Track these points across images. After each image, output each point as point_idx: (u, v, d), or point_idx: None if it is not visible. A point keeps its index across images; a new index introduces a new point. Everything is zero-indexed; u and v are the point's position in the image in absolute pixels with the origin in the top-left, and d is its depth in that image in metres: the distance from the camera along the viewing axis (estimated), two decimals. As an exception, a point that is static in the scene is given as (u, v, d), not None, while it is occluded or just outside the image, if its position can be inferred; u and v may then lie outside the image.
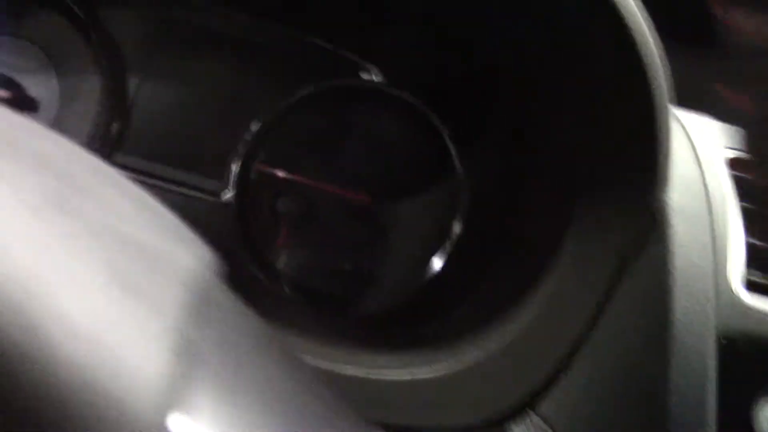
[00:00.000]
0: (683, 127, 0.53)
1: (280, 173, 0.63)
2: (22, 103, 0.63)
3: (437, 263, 0.63)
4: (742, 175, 0.52)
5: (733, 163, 0.53)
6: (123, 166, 0.62)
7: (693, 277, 0.46)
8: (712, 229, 0.48)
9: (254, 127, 0.63)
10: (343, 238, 0.63)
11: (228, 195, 0.63)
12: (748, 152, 0.55)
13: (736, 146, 0.55)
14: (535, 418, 0.50)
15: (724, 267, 0.47)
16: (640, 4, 0.44)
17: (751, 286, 0.47)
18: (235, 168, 0.63)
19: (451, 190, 0.63)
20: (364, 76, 0.64)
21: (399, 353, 0.54)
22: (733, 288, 0.46)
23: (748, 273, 0.48)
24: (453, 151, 0.63)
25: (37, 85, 0.64)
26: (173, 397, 0.15)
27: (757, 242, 0.49)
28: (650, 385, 0.44)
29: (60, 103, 0.63)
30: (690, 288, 0.45)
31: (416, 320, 0.61)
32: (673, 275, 0.45)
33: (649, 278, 0.46)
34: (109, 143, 0.63)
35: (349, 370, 0.51)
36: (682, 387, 0.43)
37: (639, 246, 0.48)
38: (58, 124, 0.63)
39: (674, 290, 0.45)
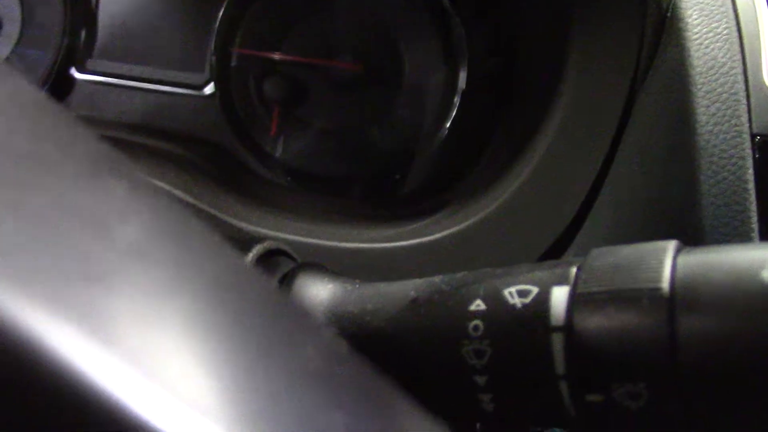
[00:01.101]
0: None
1: (262, 54, 0.58)
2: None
3: (444, 126, 0.58)
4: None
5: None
6: (97, 72, 0.59)
7: (718, 77, 0.40)
8: (739, 26, 0.42)
9: (226, 9, 0.58)
10: (339, 114, 0.59)
11: (210, 86, 0.58)
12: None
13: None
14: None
15: (758, 64, 0.41)
16: None
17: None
18: (213, 56, 0.58)
19: (449, 45, 0.57)
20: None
21: (406, 224, 0.50)
22: None
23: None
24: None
25: (-6, 2, 0.60)
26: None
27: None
28: (682, 200, 0.39)
29: (22, 16, 0.60)
30: (714, 87, 0.39)
31: (425, 190, 0.57)
32: (691, 76, 0.39)
33: (665, 86, 0.41)
34: (79, 50, 0.59)
35: (354, 245, 0.48)
36: (716, 196, 0.38)
37: (650, 54, 0.42)
38: (24, 39, 0.59)
39: (694, 92, 0.39)
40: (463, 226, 0.46)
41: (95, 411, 0.10)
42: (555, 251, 0.45)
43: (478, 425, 0.33)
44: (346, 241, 0.48)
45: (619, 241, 0.43)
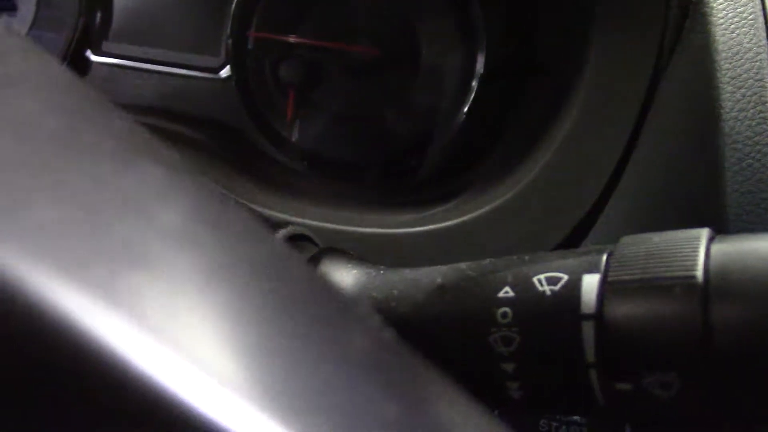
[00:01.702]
0: None
1: (278, 37, 0.58)
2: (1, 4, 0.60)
3: (462, 110, 0.57)
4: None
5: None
6: (112, 54, 0.58)
7: (743, 62, 0.39)
8: (765, 10, 0.41)
9: (242, -9, 0.58)
10: (355, 98, 0.58)
11: (226, 70, 0.58)
12: None
13: None
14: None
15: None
16: None
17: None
18: (228, 40, 0.58)
19: (467, 28, 0.57)
20: None
21: (422, 209, 0.50)
22: (795, 66, 0.40)
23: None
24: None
25: (10, -17, 0.60)
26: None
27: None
28: (705, 187, 0.39)
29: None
30: (739, 73, 0.39)
31: (442, 176, 0.57)
32: (716, 62, 0.39)
33: (689, 71, 0.40)
34: (94, 32, 0.59)
35: (370, 230, 0.48)
36: (741, 183, 0.37)
37: (674, 39, 0.41)
38: (39, 21, 0.59)
39: (719, 78, 0.39)
40: (480, 212, 0.45)
41: (141, 397, 0.10)
42: (574, 238, 0.44)
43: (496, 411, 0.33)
44: (362, 226, 0.48)
45: (639, 229, 0.43)
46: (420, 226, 0.47)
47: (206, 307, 0.11)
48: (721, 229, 0.38)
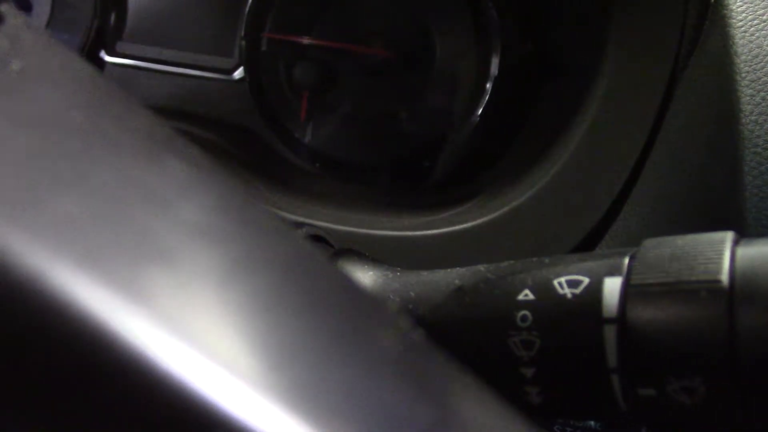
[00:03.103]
0: None
1: (292, 39, 0.58)
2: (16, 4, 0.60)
3: (476, 112, 0.57)
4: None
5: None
6: (126, 55, 0.58)
7: (763, 65, 0.39)
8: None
9: (256, -7, 0.57)
10: (369, 100, 0.58)
11: (240, 71, 0.58)
12: None
13: None
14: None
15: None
16: None
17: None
18: (242, 41, 0.58)
19: (482, 30, 0.56)
20: None
21: (436, 212, 0.50)
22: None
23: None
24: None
25: (25, -17, 0.60)
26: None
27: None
28: (723, 191, 0.38)
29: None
30: (759, 76, 0.38)
31: (456, 178, 0.56)
32: (735, 65, 0.38)
33: (708, 74, 0.40)
34: (109, 33, 0.59)
35: (383, 232, 0.47)
36: (760, 188, 0.37)
37: (692, 41, 0.41)
38: (54, 21, 0.59)
39: (738, 81, 0.38)
40: (495, 215, 0.45)
41: (163, 393, 0.10)
42: (590, 241, 0.44)
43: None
44: (376, 228, 0.48)
45: (656, 233, 0.43)
46: (434, 228, 0.47)
47: (228, 303, 0.11)
48: (739, 233, 0.38)
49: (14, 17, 0.16)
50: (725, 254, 0.21)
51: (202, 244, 0.12)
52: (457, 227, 0.45)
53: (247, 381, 0.10)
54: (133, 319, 0.10)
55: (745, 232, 0.37)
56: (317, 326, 0.12)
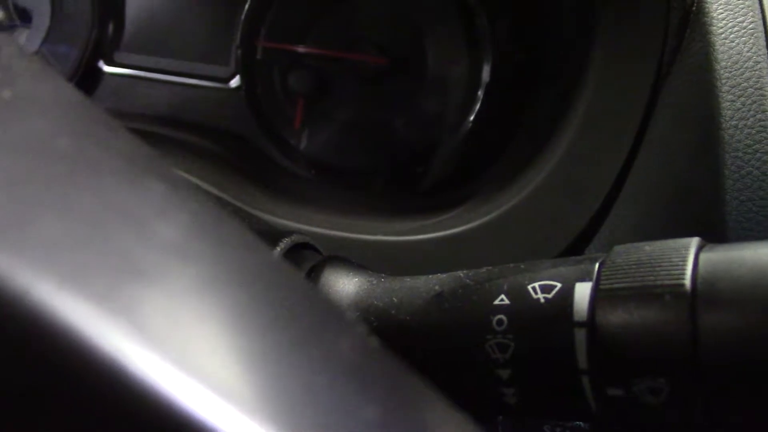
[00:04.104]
0: None
1: (287, 47, 0.59)
2: (16, 16, 0.61)
3: (468, 119, 0.58)
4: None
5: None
6: (124, 65, 0.60)
7: (743, 71, 0.40)
8: (765, 20, 0.42)
9: (251, 2, 0.58)
10: (363, 107, 0.59)
11: (236, 79, 0.59)
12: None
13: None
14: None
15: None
16: None
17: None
18: (238, 50, 0.59)
19: (473, 37, 0.57)
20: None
21: (429, 216, 0.51)
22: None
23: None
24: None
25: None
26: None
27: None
28: (706, 195, 0.39)
29: (51, 9, 0.61)
30: (739, 82, 0.39)
31: (448, 183, 0.57)
32: (716, 71, 0.39)
33: (690, 80, 0.41)
34: (107, 43, 0.60)
35: (377, 237, 0.48)
36: (741, 191, 0.38)
37: (674, 48, 0.42)
38: (53, 31, 0.60)
39: (719, 87, 0.39)
40: (486, 219, 0.46)
41: (137, 402, 0.11)
42: (578, 245, 0.45)
43: (500, 417, 0.33)
44: (370, 233, 0.49)
45: (642, 236, 0.44)
46: (425, 233, 0.48)
47: (199, 317, 0.12)
48: (721, 236, 0.39)
49: (8, 45, 0.17)
50: (689, 260, 0.22)
51: (176, 262, 0.13)
52: (448, 232, 0.46)
53: (209, 383, 0.11)
54: (111, 333, 0.11)
55: (726, 235, 0.38)
56: (278, 335, 0.13)
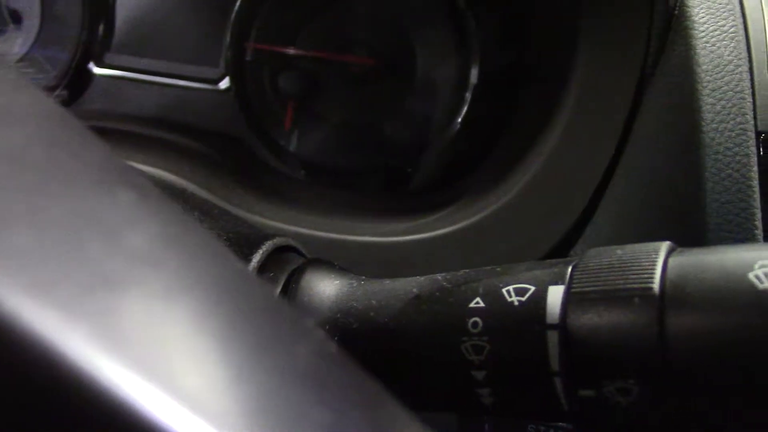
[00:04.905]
0: None
1: (277, 49, 0.59)
2: (8, 17, 0.61)
3: (456, 120, 0.58)
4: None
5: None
6: (114, 66, 0.60)
7: (724, 74, 0.40)
8: (746, 24, 0.42)
9: (241, 4, 0.59)
10: (353, 108, 0.59)
11: (225, 81, 0.59)
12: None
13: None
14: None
15: (764, 62, 0.42)
16: None
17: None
18: (228, 51, 0.59)
19: (461, 40, 0.58)
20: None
21: (418, 217, 0.51)
22: (773, 79, 0.41)
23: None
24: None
25: (15, -4, 0.61)
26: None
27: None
28: (686, 197, 0.40)
29: (42, 11, 0.61)
30: (720, 86, 0.40)
31: (437, 184, 0.58)
32: (697, 74, 0.40)
33: (672, 83, 0.41)
34: (97, 45, 0.60)
35: (367, 238, 0.49)
36: (721, 193, 0.38)
37: (657, 51, 0.42)
38: (43, 33, 0.61)
39: (700, 90, 0.40)
40: (474, 219, 0.46)
41: (98, 403, 0.11)
42: (564, 245, 0.45)
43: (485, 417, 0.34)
44: (360, 234, 0.49)
45: (626, 237, 0.44)
46: (413, 234, 0.48)
47: (163, 325, 0.12)
48: (701, 237, 0.39)
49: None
50: (658, 263, 0.22)
51: (143, 269, 0.13)
52: (436, 232, 0.47)
53: (166, 387, 0.11)
54: (77, 340, 0.11)
55: (707, 237, 0.39)
56: (239, 341, 0.13)
